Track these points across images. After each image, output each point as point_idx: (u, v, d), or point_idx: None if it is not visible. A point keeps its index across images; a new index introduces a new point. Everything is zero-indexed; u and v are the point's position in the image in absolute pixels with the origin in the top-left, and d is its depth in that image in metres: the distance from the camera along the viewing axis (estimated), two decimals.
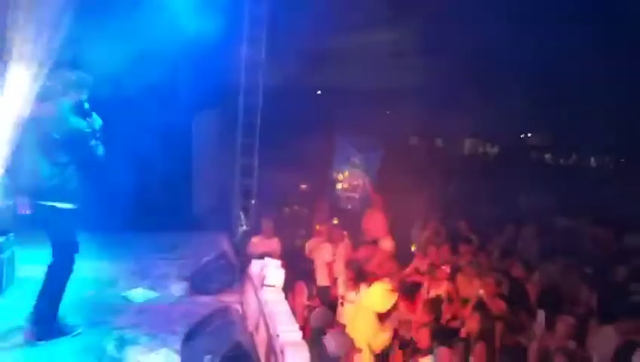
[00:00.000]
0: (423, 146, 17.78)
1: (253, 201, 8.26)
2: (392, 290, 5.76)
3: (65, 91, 3.80)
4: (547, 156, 23.80)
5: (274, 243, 6.88)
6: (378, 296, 5.67)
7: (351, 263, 6.23)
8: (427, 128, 17.61)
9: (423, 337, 4.93)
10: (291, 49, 8.12)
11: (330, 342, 4.03)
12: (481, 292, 5.58)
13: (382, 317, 5.57)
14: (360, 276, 5.83)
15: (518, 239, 8.66)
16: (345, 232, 7.30)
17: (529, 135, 24.88)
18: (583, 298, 5.80)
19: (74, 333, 3.96)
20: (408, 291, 6.23)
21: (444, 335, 4.81)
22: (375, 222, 8.24)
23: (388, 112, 16.44)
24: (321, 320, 4.86)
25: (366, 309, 5.59)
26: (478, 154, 22.97)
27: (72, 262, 3.90)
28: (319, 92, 15.29)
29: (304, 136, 9.02)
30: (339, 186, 8.22)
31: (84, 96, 3.86)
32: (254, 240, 7.04)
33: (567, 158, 23.54)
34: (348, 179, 8.24)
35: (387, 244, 7.67)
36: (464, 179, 12.63)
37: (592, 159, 22.62)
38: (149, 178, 7.20)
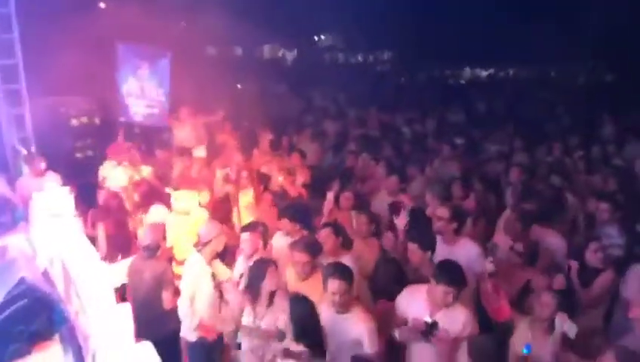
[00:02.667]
0: (221, 55, 17.35)
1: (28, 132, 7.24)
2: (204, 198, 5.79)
3: None
4: (340, 56, 25.43)
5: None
6: (188, 204, 5.61)
7: (140, 184, 5.96)
8: (224, 38, 17.18)
9: None
10: None
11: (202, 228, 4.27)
12: (281, 179, 5.98)
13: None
14: (149, 195, 5.64)
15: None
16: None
17: (322, 37, 26.14)
18: (370, 173, 6.61)
19: None
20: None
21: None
22: (186, 133, 8.02)
23: (183, 23, 15.53)
24: (153, 235, 4.65)
25: (183, 221, 5.49)
26: (277, 58, 23.40)
27: None
28: (102, 5, 13.63)
29: (82, 52, 7.96)
30: (129, 102, 7.54)
31: None
32: (19, 182, 6.18)
33: (356, 57, 25.49)
34: (140, 94, 7.59)
35: (201, 153, 7.53)
36: (264, 82, 12.82)
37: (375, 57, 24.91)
38: None
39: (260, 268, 3.71)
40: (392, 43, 21.65)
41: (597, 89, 15.05)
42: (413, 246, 4.02)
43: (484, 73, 22.12)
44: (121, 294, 5.21)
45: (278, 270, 3.80)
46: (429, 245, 4.05)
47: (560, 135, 8.53)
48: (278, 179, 6.14)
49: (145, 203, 5.75)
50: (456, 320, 3.35)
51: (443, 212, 4.28)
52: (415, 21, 18.38)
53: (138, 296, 4.53)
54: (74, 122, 7.86)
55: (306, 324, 3.22)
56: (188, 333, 4.20)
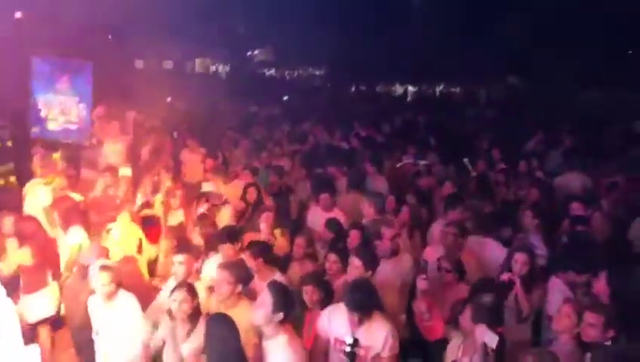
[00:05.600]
0: (149, 68, 16.78)
1: None
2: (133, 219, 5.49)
3: None
4: (272, 71, 25.44)
5: None
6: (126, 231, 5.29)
7: (62, 201, 5.54)
8: (153, 51, 16.72)
9: None
10: None
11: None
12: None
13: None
14: (69, 216, 5.24)
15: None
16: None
17: (255, 52, 26.07)
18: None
19: None
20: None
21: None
22: (111, 150, 7.58)
23: (110, 37, 14.93)
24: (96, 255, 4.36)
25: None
26: (210, 73, 23.01)
27: None
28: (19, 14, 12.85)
29: None
30: (49, 116, 7.05)
31: None
32: None
33: (291, 72, 25.60)
34: (59, 109, 7.13)
35: (126, 171, 7.15)
36: (198, 96, 12.53)
37: (310, 70, 25.14)
38: None
39: (178, 291, 3.53)
40: (323, 58, 21.98)
41: (522, 106, 15.91)
42: (357, 263, 3.92)
43: (412, 89, 22.90)
44: (53, 322, 4.83)
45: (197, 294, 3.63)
46: (372, 264, 3.99)
47: (484, 149, 8.89)
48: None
49: (65, 221, 5.30)
50: (377, 336, 3.31)
51: (389, 232, 4.37)
52: (346, 36, 18.81)
53: (74, 318, 4.30)
54: None
55: (226, 349, 2.98)
56: None
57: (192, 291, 3.57)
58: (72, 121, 7.26)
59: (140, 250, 5.34)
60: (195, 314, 3.53)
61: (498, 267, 4.38)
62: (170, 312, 3.52)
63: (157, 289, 4.59)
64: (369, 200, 5.44)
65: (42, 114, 6.98)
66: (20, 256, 4.73)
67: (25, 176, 6.65)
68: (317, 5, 18.05)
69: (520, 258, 4.04)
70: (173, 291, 3.57)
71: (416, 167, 7.71)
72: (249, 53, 25.27)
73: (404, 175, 7.47)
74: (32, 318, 4.72)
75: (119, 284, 3.95)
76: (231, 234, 4.56)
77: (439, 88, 22.77)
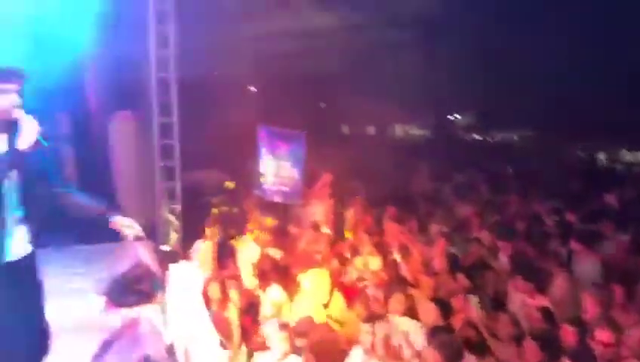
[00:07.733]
0: (354, 134, 17.85)
1: (179, 206, 7.89)
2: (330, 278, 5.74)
3: None
4: (474, 135, 24.72)
5: None
6: (318, 283, 5.57)
7: (263, 260, 6.05)
8: (358, 116, 17.78)
9: None
10: (200, 43, 7.90)
11: None
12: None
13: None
14: (267, 276, 5.64)
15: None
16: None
17: (457, 116, 25.81)
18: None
19: None
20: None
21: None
22: (314, 211, 8.22)
23: (323, 104, 16.51)
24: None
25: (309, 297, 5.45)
26: (409, 137, 23.46)
27: None
28: (253, 88, 15.00)
29: (226, 132, 8.77)
30: (266, 180, 8.01)
31: None
32: None
33: (492, 136, 24.55)
34: (276, 173, 8.05)
35: (327, 230, 7.61)
36: (399, 162, 12.77)
37: (515, 135, 23.69)
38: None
39: None
40: (533, 122, 20.52)
41: None
42: None
43: None
44: None
45: None
46: None
47: None
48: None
49: (263, 280, 5.79)
50: None
51: (606, 336, 3.64)
52: (557, 98, 17.22)
53: None
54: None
55: None
56: None
57: None
58: (285, 183, 8.08)
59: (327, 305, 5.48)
60: None
61: None
62: None
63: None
64: (590, 292, 4.58)
65: (261, 176, 7.93)
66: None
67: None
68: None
69: None
70: None
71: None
72: (450, 117, 25.16)
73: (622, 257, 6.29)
74: None
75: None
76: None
77: None
